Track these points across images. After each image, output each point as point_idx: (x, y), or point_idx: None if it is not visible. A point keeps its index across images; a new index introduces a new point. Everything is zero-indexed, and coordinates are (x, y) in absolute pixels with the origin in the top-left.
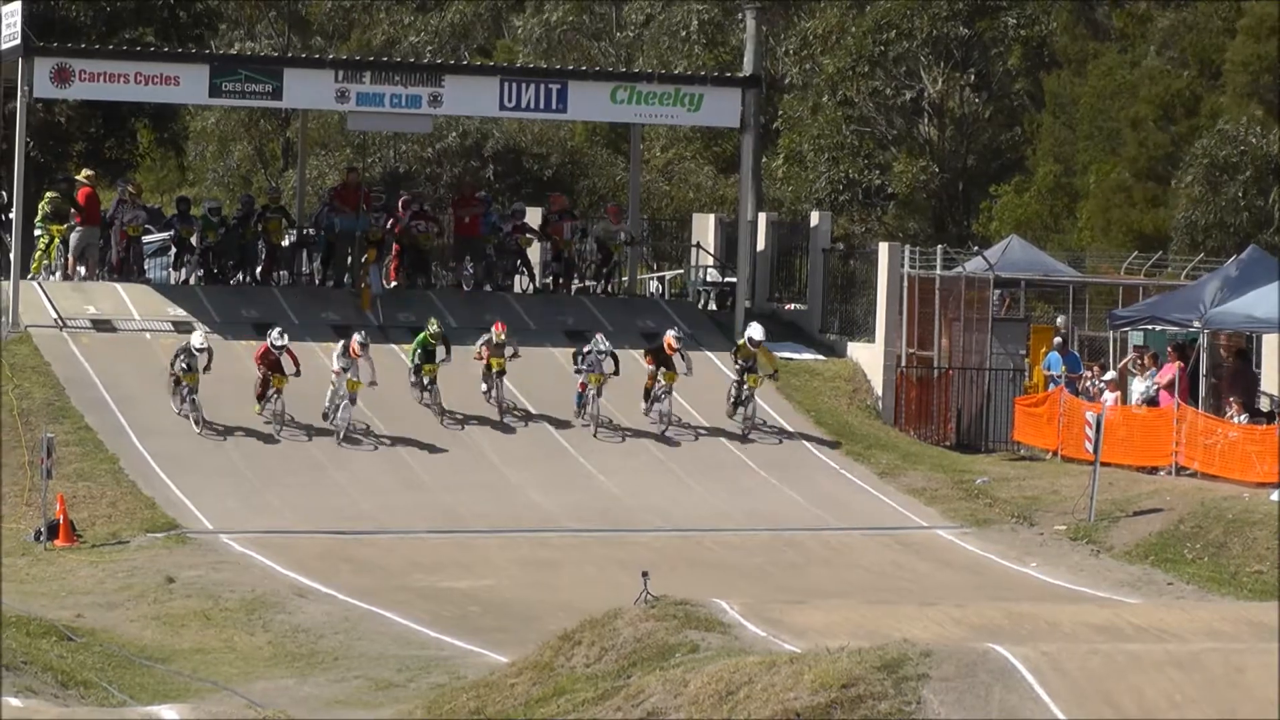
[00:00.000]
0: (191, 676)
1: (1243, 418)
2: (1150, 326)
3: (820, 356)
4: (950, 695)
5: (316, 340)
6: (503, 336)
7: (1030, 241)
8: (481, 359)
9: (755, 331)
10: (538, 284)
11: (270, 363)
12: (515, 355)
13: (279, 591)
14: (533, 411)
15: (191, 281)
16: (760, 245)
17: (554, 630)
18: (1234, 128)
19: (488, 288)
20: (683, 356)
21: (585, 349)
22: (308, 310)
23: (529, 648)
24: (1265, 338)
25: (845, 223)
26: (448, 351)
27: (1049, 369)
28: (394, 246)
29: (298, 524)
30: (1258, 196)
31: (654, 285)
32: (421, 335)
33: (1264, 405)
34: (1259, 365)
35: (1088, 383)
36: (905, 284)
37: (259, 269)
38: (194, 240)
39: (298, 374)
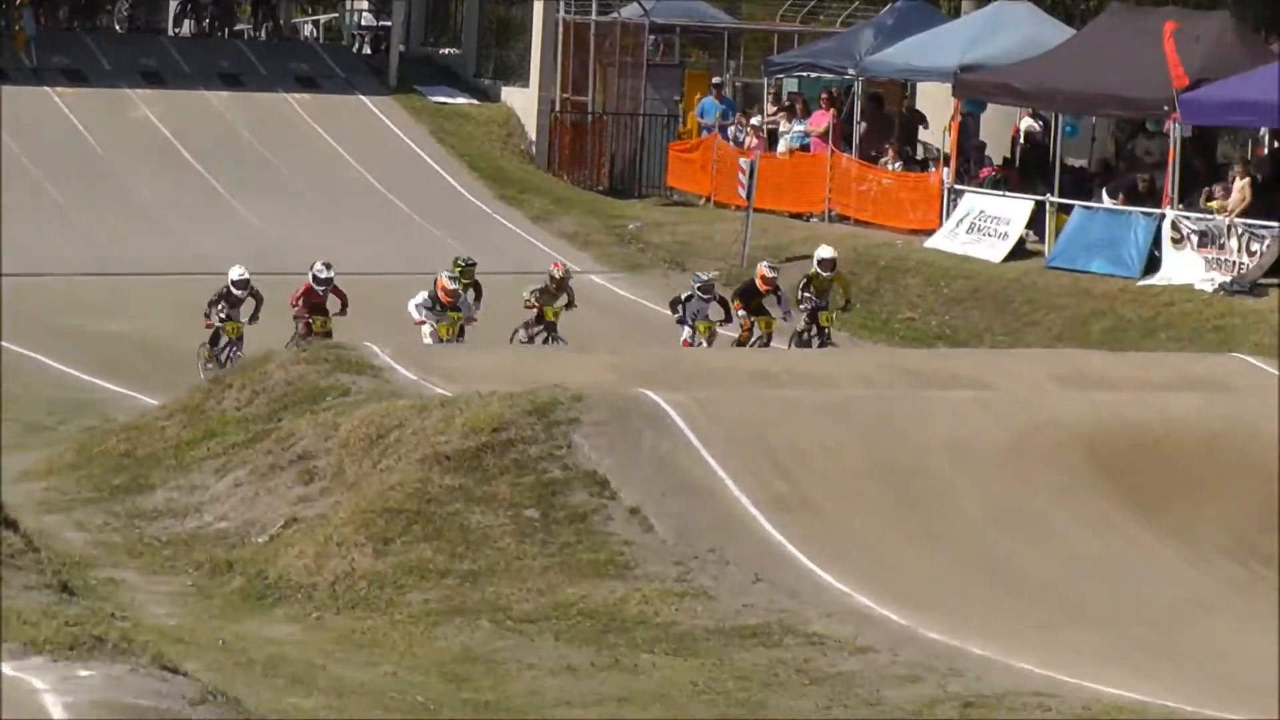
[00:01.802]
0: None
1: (896, 165)
2: (805, 74)
3: (475, 101)
4: (601, 439)
5: None
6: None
7: None
8: (533, 308)
9: (825, 252)
10: (194, 29)
11: (313, 305)
12: (571, 304)
13: None
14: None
15: None
16: None
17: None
18: None
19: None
20: (778, 295)
21: (684, 295)
22: None
23: (180, 391)
24: (921, 86)
25: None
26: (478, 296)
27: (703, 116)
28: None
29: None
30: None
31: (309, 29)
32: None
33: (919, 153)
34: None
35: (737, 129)
36: (561, 29)
37: None
38: None
39: (343, 314)
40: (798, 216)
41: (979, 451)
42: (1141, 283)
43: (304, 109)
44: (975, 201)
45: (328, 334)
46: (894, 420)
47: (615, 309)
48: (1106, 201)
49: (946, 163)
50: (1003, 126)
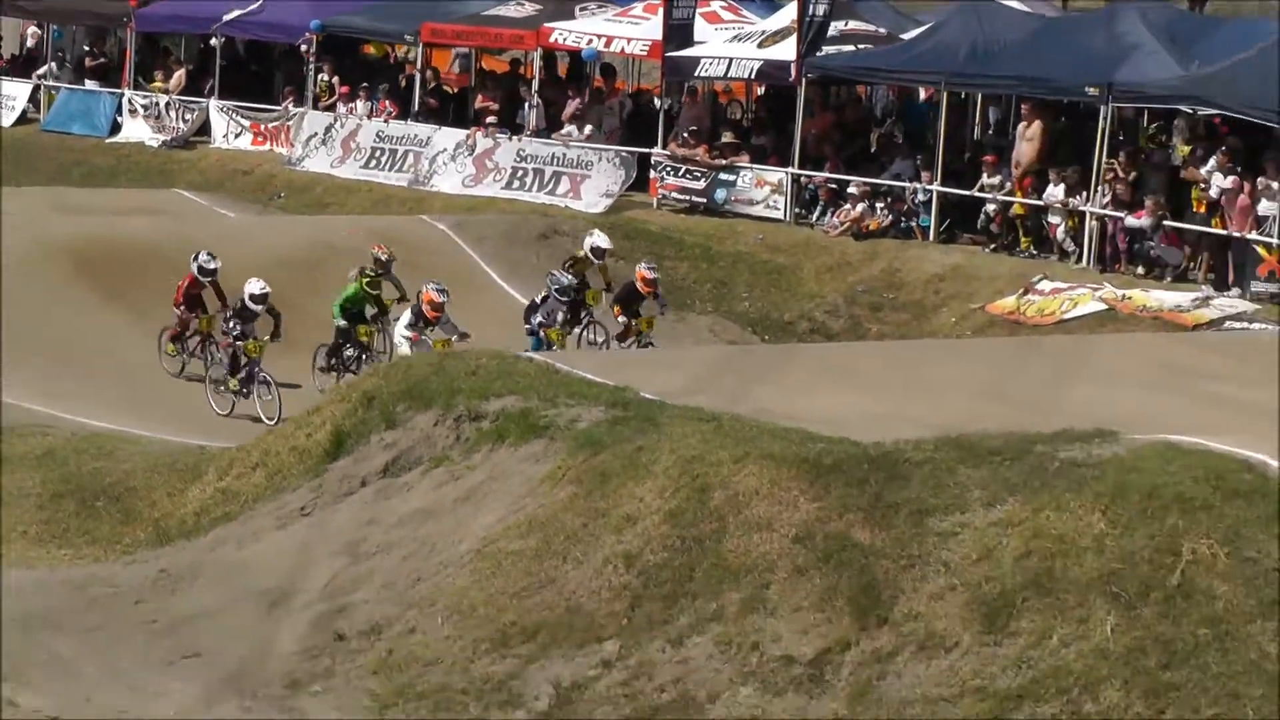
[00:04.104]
0: None
1: None
2: None
3: None
4: None
5: None
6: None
7: None
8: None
9: (602, 240)
10: None
11: (192, 298)
12: (403, 298)
13: None
14: None
15: None
16: None
17: None
18: None
19: None
20: (658, 296)
21: (539, 298)
22: None
23: None
24: None
25: None
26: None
27: None
28: None
29: None
30: None
31: None
32: (352, 289)
33: None
34: None
35: None
36: None
37: None
38: None
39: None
40: None
41: None
42: (109, 140)
43: None
44: None
45: (208, 337)
46: None
47: None
48: (88, 84)
49: None
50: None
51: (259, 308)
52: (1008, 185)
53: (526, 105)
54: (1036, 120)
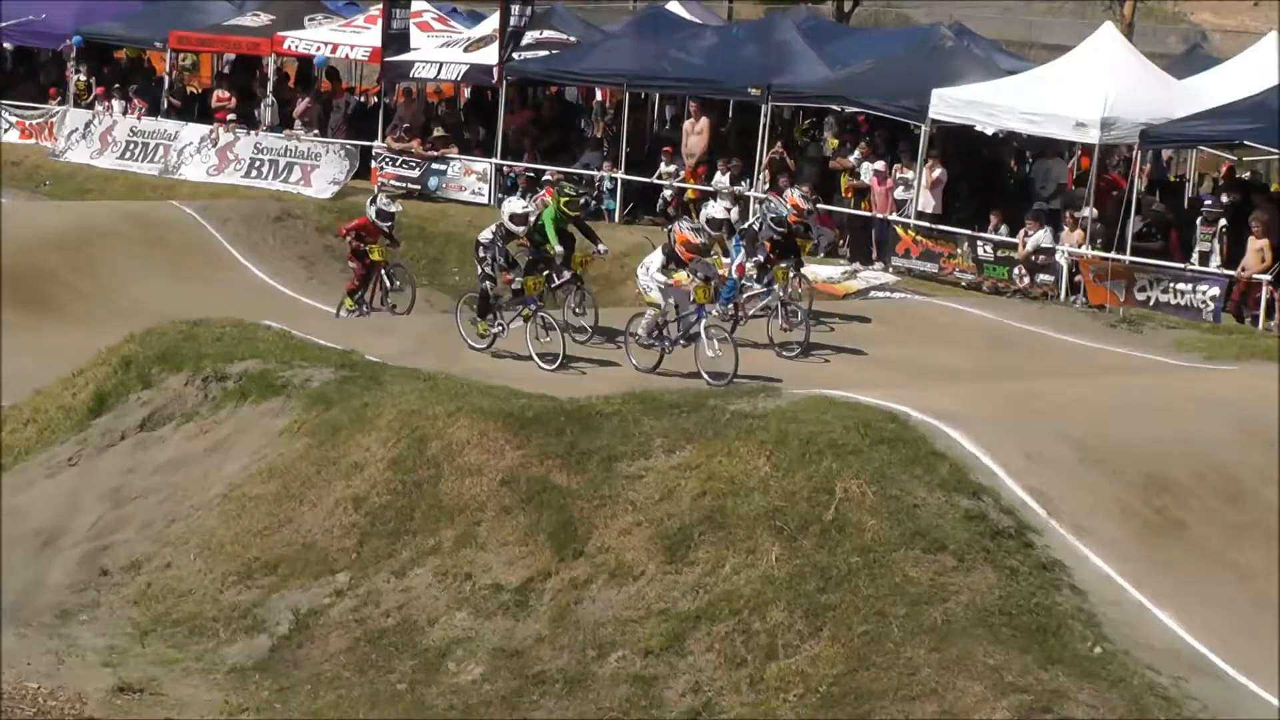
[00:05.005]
0: None
1: None
2: None
3: None
4: None
5: None
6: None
7: None
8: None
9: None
10: None
11: (358, 242)
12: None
13: None
14: None
15: None
16: None
17: None
18: None
19: None
20: (809, 226)
21: (754, 222)
22: None
23: None
24: None
25: None
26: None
27: None
28: None
29: None
30: None
31: None
32: (551, 207)
33: None
34: None
35: None
36: None
37: None
38: None
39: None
40: None
41: None
42: None
43: None
44: None
45: (383, 266)
46: None
47: None
48: None
49: None
50: None
51: (521, 229)
52: (682, 173)
53: (262, 104)
54: (704, 117)
